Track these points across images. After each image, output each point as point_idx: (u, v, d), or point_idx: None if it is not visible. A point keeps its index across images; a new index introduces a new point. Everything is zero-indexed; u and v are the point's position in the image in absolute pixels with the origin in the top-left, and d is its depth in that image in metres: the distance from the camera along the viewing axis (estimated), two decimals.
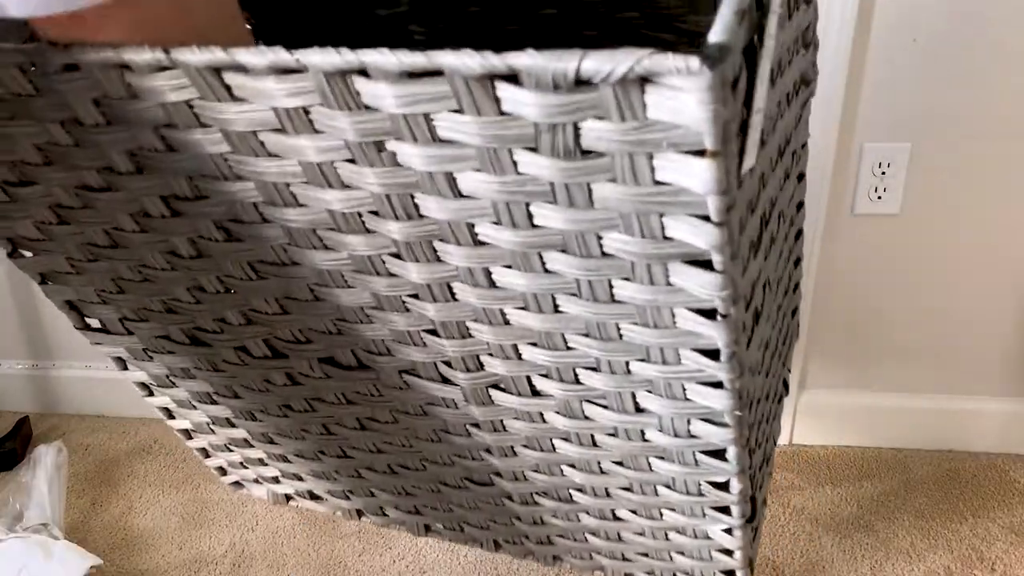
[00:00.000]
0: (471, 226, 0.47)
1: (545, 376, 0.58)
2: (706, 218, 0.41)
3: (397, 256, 0.51)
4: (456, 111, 0.40)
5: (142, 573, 1.14)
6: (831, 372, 1.29)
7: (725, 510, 0.69)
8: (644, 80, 0.36)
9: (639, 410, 0.59)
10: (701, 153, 0.37)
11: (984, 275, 1.19)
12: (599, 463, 0.68)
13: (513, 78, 0.38)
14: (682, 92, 0.35)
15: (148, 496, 1.28)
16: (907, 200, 1.15)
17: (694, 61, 0.34)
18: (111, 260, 0.63)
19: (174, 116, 0.47)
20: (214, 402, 0.82)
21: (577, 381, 0.58)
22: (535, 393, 0.61)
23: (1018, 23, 1.04)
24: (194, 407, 0.85)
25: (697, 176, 0.38)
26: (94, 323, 0.75)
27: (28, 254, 0.67)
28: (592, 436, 0.64)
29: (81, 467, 1.35)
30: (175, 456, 1.36)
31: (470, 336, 0.56)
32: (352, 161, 0.45)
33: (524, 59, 0.37)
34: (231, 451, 0.97)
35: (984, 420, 1.29)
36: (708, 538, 0.74)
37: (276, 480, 1.03)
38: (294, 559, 1.14)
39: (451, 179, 0.44)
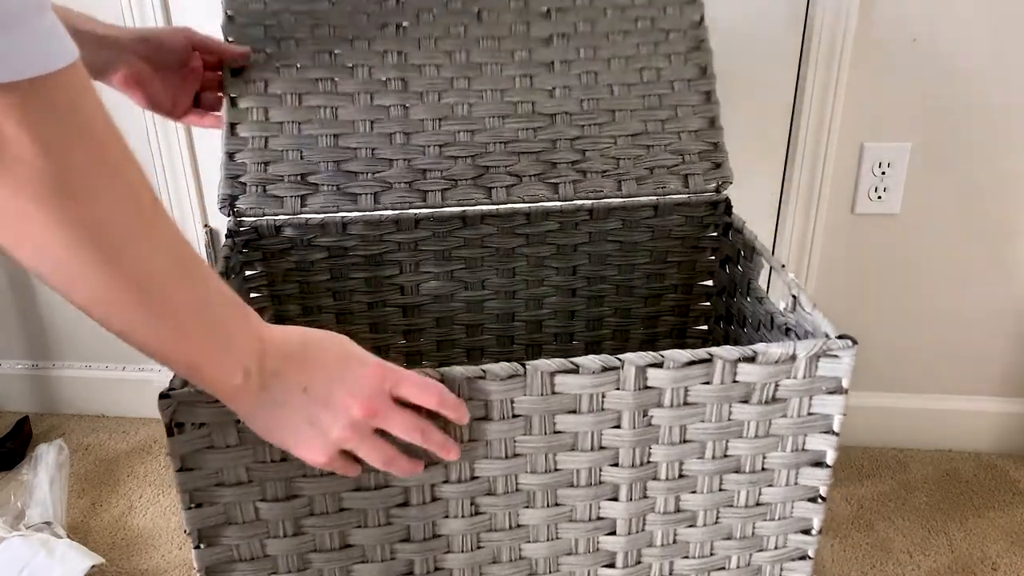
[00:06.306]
0: (680, 463, 0.60)
1: None
2: (831, 431, 0.60)
3: (614, 499, 0.61)
4: (705, 383, 0.56)
5: (142, 573, 1.10)
6: None
7: None
8: (819, 355, 0.56)
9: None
10: (835, 391, 0.58)
11: (984, 275, 1.19)
12: None
13: (751, 359, 0.55)
14: (842, 359, 0.57)
15: (148, 496, 1.24)
16: (907, 200, 1.14)
17: (848, 342, 0.56)
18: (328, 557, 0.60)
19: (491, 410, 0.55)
20: None
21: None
22: None
23: (1018, 23, 1.05)
24: None
25: (835, 405, 0.59)
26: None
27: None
28: None
29: (81, 467, 1.31)
30: None
31: (639, 562, 0.64)
32: (617, 426, 0.57)
33: (762, 347, 0.56)
34: None
35: (984, 420, 1.28)
36: None
37: None
38: None
39: (683, 429, 0.58)
